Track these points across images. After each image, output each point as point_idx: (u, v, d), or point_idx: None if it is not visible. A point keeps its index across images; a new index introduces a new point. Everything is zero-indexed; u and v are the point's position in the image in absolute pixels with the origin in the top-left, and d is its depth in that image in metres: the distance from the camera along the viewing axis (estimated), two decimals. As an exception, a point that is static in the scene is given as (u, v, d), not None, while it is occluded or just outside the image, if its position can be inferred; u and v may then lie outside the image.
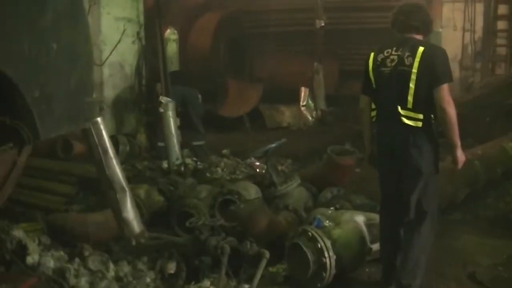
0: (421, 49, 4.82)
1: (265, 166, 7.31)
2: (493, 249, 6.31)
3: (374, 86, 5.11)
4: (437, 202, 5.16)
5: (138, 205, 6.17)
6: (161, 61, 9.45)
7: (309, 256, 5.25)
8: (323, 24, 13.87)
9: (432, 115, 4.86)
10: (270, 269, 5.61)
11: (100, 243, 5.75)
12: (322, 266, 5.24)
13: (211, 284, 5.13)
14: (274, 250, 5.49)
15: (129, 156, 9.13)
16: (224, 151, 9.52)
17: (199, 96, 10.54)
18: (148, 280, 5.13)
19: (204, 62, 13.42)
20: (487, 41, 16.20)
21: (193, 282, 5.23)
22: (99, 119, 5.27)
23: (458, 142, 4.86)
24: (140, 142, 9.85)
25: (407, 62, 4.84)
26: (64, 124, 4.02)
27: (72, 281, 4.85)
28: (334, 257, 5.24)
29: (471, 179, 7.58)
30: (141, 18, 10.18)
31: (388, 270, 5.18)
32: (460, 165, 4.95)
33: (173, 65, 10.80)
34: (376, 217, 5.53)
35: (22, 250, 4.98)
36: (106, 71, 9.58)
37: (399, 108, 4.85)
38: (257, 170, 8.01)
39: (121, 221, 5.53)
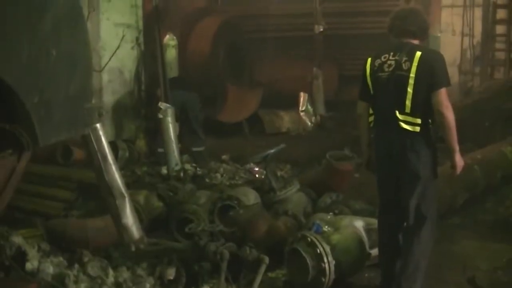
0: (418, 53, 4.83)
1: (264, 172, 7.32)
2: (492, 253, 6.32)
3: (371, 91, 5.11)
4: (436, 207, 5.16)
5: (138, 211, 6.17)
6: (160, 66, 9.47)
7: (308, 261, 5.25)
8: (322, 29, 13.89)
9: (430, 120, 4.86)
10: (270, 274, 5.62)
11: (99, 249, 5.75)
12: (321, 271, 5.24)
13: (211, 289, 5.15)
14: (274, 256, 5.49)
15: (128, 162, 9.13)
16: (223, 157, 9.53)
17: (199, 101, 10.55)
18: (147, 286, 5.12)
19: (204, 68, 13.41)
20: (486, 45, 16.22)
21: (192, 288, 5.24)
22: (98, 125, 5.27)
23: (456, 147, 4.86)
24: (139, 148, 9.85)
25: (404, 67, 4.85)
26: (63, 130, 4.02)
27: (72, 287, 4.84)
28: (333, 262, 5.25)
29: (470, 184, 7.59)
30: (140, 24, 10.19)
31: (387, 275, 5.18)
32: (459, 170, 4.95)
33: (173, 71, 10.79)
34: (375, 222, 5.53)
35: (21, 256, 4.98)
36: (105, 77, 9.59)
37: (397, 112, 4.85)
38: (256, 175, 8.02)
39: (121, 227, 5.53)
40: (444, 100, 4.76)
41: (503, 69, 15.17)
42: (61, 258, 5.22)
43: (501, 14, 15.62)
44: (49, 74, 3.69)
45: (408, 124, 4.84)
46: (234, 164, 8.76)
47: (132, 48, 10.01)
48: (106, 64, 9.43)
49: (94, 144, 5.30)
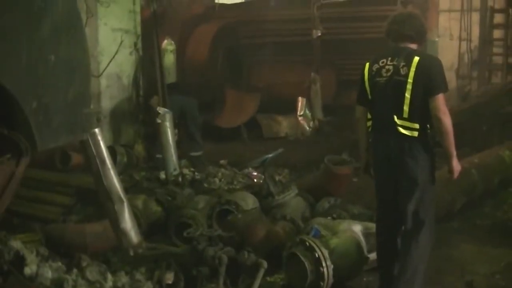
0: (416, 59, 4.84)
1: (263, 176, 7.32)
2: (490, 257, 6.33)
3: (369, 96, 5.12)
4: (434, 211, 5.15)
5: (136, 215, 6.17)
6: (158, 72, 9.47)
7: (307, 266, 5.26)
8: (319, 34, 13.93)
9: (428, 125, 4.87)
10: (268, 278, 5.62)
11: (98, 254, 5.74)
12: (319, 276, 5.25)
13: (209, 294, 5.15)
14: (272, 260, 5.49)
15: (126, 166, 9.12)
16: (222, 162, 9.52)
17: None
18: (146, 290, 5.14)
19: (202, 73, 13.43)
20: (483, 50, 16.30)
21: (191, 292, 5.24)
22: (96, 130, 5.28)
23: (454, 152, 4.86)
24: (138, 153, 9.84)
25: (402, 72, 4.86)
26: (62, 135, 4.02)
27: (70, 291, 4.85)
28: (332, 266, 5.26)
29: (468, 188, 7.60)
30: (138, 29, 10.19)
31: (386, 279, 5.17)
32: (456, 175, 4.95)
33: (171, 76, 10.81)
34: (373, 226, 5.53)
35: (20, 261, 4.97)
36: (103, 82, 9.59)
37: (395, 117, 4.85)
38: (255, 180, 8.02)
39: (119, 232, 5.54)
40: (441, 106, 4.76)
41: (501, 74, 15.23)
42: (59, 263, 5.22)
43: (498, 18, 15.71)
44: (48, 80, 3.70)
45: (406, 129, 4.85)
46: (232, 169, 8.74)
47: (130, 53, 10.01)
48: (104, 70, 9.43)
49: (93, 149, 5.31)
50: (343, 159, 7.64)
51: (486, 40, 16.09)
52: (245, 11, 15.46)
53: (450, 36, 17.59)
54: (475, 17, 16.82)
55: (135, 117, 10.21)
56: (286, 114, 13.82)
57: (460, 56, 17.19)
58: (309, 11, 14.12)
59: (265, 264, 5.31)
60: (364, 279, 5.74)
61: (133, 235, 5.57)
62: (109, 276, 5.16)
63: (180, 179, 7.96)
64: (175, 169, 8.44)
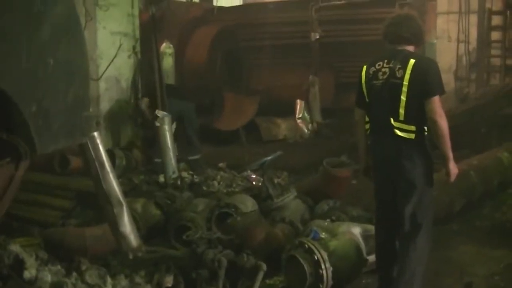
0: (412, 61, 4.83)
1: (262, 179, 7.33)
2: (489, 259, 6.33)
3: (367, 99, 5.13)
4: (433, 214, 5.15)
5: (135, 219, 6.18)
6: (157, 75, 9.48)
7: (306, 268, 5.27)
8: (318, 37, 13.95)
9: (425, 127, 4.86)
10: (267, 281, 5.62)
11: (97, 257, 5.74)
12: (319, 278, 5.25)
13: (209, 297, 5.15)
14: (271, 263, 5.49)
15: (125, 170, 9.12)
16: (221, 164, 9.52)
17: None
18: (145, 293, 5.14)
19: (201, 76, 13.45)
20: (481, 52, 16.31)
21: (190, 295, 5.24)
22: (95, 133, 5.28)
23: (450, 155, 4.85)
24: (137, 156, 9.85)
25: (398, 74, 4.85)
26: (61, 138, 4.03)
27: (70, 295, 4.85)
28: (331, 268, 5.26)
29: (467, 190, 7.61)
30: (137, 33, 10.20)
31: (385, 281, 5.17)
32: (453, 177, 4.94)
33: (169, 79, 10.83)
34: (372, 228, 5.54)
35: (19, 264, 4.96)
36: (102, 85, 9.60)
37: (391, 120, 4.86)
38: (254, 183, 8.02)
39: (118, 235, 5.53)
40: (437, 108, 4.75)
41: (499, 75, 15.24)
42: (59, 267, 5.21)
43: (496, 20, 15.72)
44: (47, 83, 3.71)
45: (402, 131, 4.85)
46: (231, 172, 8.75)
47: (129, 56, 10.02)
48: (103, 73, 9.45)
49: (92, 152, 5.31)
50: (342, 162, 7.64)
51: (484, 42, 16.10)
52: (244, 14, 15.48)
53: (448, 38, 17.59)
54: (473, 19, 16.82)
55: (133, 120, 10.21)
56: (285, 117, 13.83)
57: (458, 58, 17.19)
58: (307, 13, 14.13)
59: (264, 266, 5.31)
60: (363, 281, 5.75)
61: (133, 238, 5.57)
62: (109, 279, 5.16)
63: (179, 182, 7.96)
64: (174, 172, 8.44)
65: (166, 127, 8.72)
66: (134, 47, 10.09)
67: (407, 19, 5.12)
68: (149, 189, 7.86)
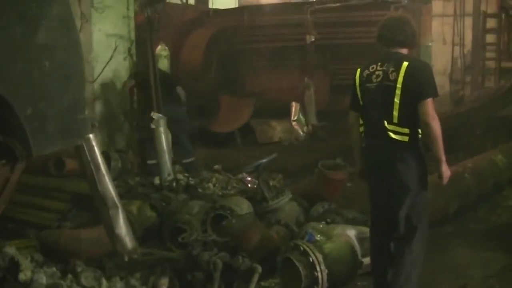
0: (405, 64, 4.84)
1: (257, 181, 7.33)
2: (485, 261, 6.33)
3: (361, 102, 5.14)
4: (427, 216, 5.15)
5: (131, 221, 6.17)
6: (152, 77, 9.48)
7: (301, 270, 5.27)
8: (313, 39, 13.96)
9: (419, 130, 4.86)
10: (263, 283, 5.63)
11: (93, 260, 5.75)
12: (314, 280, 5.26)
13: (204, 299, 5.15)
14: (266, 265, 5.51)
15: (121, 172, 9.11)
16: (216, 167, 9.51)
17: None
18: (141, 296, 5.15)
19: (196, 78, 13.45)
20: (476, 54, 16.37)
21: (185, 297, 5.25)
22: (91, 135, 5.28)
23: (443, 157, 4.85)
24: (132, 159, 9.84)
25: (391, 77, 4.86)
26: (57, 141, 4.03)
27: (65, 297, 4.85)
28: (326, 271, 5.27)
29: (462, 192, 7.61)
30: (132, 35, 10.20)
31: (380, 283, 5.18)
32: (445, 180, 4.93)
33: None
34: (367, 231, 5.54)
35: (14, 267, 4.97)
36: (98, 87, 9.60)
37: (385, 123, 4.86)
38: (249, 185, 8.02)
39: (114, 237, 5.54)
40: (430, 111, 4.75)
41: (494, 78, 15.29)
42: (54, 269, 5.22)
43: (491, 23, 15.79)
44: (43, 86, 3.71)
45: (396, 134, 4.85)
46: (226, 174, 8.74)
47: (125, 59, 10.02)
48: (99, 75, 9.45)
49: (87, 154, 5.31)
50: (337, 164, 7.65)
51: (479, 44, 16.17)
52: (239, 16, 15.47)
53: (443, 41, 17.65)
54: (468, 22, 16.89)
55: (129, 122, 10.20)
56: (280, 119, 13.83)
57: (453, 61, 17.25)
58: (303, 16, 14.14)
59: (259, 269, 5.32)
60: (358, 283, 5.75)
61: (128, 240, 5.57)
62: (104, 281, 5.17)
63: (174, 184, 7.96)
64: (169, 175, 8.44)
65: (162, 129, 8.71)
66: (129, 49, 10.09)
67: (400, 21, 5.11)
68: (145, 191, 7.85)
